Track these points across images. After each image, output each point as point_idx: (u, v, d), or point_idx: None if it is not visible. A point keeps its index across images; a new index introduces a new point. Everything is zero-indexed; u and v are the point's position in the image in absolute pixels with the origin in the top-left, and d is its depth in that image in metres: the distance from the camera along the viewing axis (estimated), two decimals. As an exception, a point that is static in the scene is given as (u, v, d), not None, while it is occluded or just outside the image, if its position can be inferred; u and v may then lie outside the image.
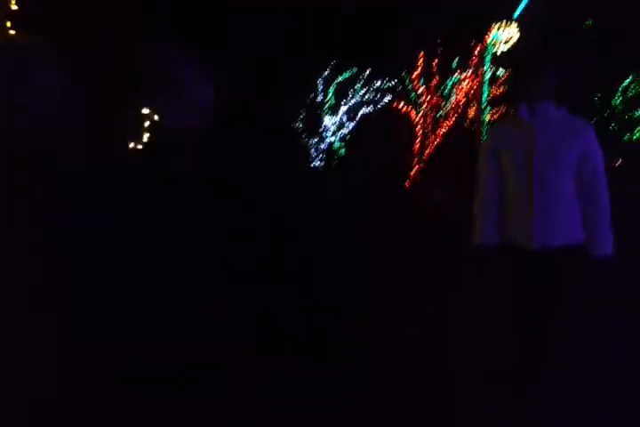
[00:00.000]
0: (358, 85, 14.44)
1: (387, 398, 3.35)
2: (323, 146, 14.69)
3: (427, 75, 12.02)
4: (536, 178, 3.07)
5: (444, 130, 12.21)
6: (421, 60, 11.53)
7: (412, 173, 12.15)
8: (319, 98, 14.86)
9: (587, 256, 3.19)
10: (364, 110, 14.61)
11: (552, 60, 3.17)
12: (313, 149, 14.73)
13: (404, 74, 13.37)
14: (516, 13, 12.26)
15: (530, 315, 3.27)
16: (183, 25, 11.24)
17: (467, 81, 12.20)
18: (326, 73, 14.45)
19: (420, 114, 11.97)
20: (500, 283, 3.50)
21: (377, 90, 14.37)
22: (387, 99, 14.12)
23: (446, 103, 12.32)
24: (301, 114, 15.04)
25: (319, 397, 3.39)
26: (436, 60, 11.91)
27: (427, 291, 5.48)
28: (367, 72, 14.56)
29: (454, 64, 12.23)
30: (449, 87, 12.59)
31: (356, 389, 3.47)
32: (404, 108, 12.17)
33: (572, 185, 3.14)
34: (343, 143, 14.71)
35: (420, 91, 11.80)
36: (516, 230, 3.24)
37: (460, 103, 12.31)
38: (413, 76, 11.73)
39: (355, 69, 14.67)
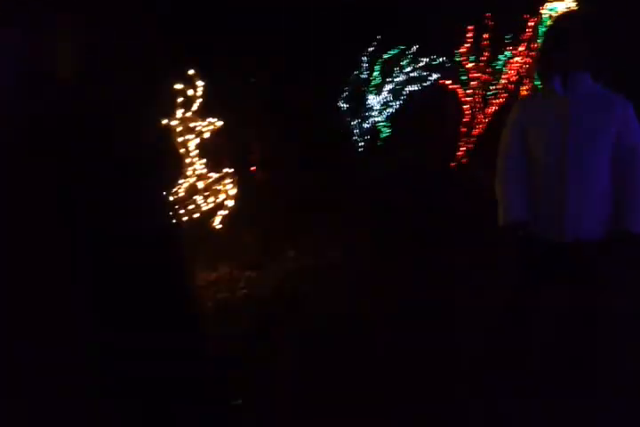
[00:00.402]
0: (405, 62, 13.92)
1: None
2: (366, 125, 14.32)
3: (476, 50, 11.40)
4: (570, 157, 2.74)
5: (494, 108, 11.62)
6: (471, 35, 10.93)
7: (458, 154, 11.63)
8: (364, 76, 14.43)
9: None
10: (410, 88, 14.10)
11: (593, 30, 2.77)
12: (356, 130, 14.37)
13: (452, 50, 12.78)
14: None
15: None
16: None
17: (519, 57, 11.53)
18: (371, 49, 13.96)
19: (469, 91, 11.40)
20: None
21: (424, 67, 13.83)
22: (434, 76, 13.57)
23: (497, 80, 11.69)
24: (344, 93, 14.64)
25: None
26: (487, 35, 11.26)
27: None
28: (414, 48, 14.02)
29: (507, 39, 11.56)
30: (500, 63, 11.96)
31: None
32: (452, 86, 11.60)
33: (608, 165, 2.76)
34: (388, 123, 14.29)
35: (468, 66, 11.23)
36: (543, 219, 2.87)
37: (512, 80, 11.66)
38: (461, 51, 11.13)
39: (401, 46, 14.13)
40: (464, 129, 11.74)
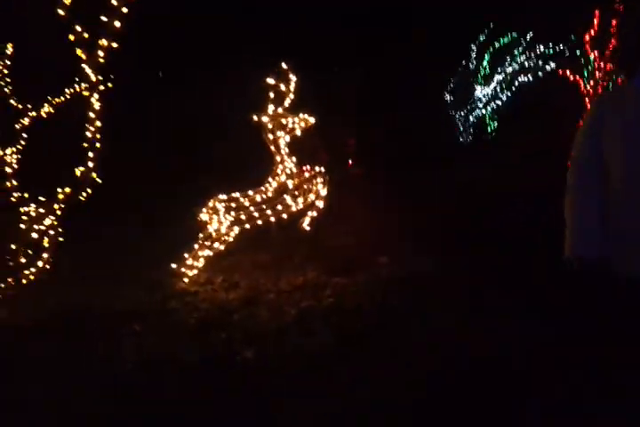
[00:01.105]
0: (518, 51, 12.91)
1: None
2: (472, 119, 13.48)
3: (603, 38, 10.24)
4: None
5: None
6: (597, 21, 9.80)
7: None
8: (472, 66, 13.56)
9: None
10: (522, 79, 13.07)
11: None
12: (460, 123, 13.56)
13: (573, 37, 11.62)
14: None
15: None
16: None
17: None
18: (482, 38, 13.08)
19: (591, 83, 10.27)
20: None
21: (539, 56, 12.75)
22: (550, 66, 12.47)
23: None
24: (450, 84, 13.87)
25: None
26: (615, 21, 10.08)
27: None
28: (529, 36, 12.97)
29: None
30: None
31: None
32: (572, 77, 10.52)
33: None
34: (496, 116, 13.35)
35: (592, 56, 10.10)
36: (627, 250, 2.21)
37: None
38: (586, 38, 10.02)
39: (514, 34, 13.15)
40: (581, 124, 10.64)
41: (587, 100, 10.36)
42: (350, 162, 12.24)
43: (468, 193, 9.03)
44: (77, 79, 4.98)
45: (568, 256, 2.52)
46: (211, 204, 6.18)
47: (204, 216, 6.22)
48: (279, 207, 6.21)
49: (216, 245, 6.32)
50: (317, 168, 6.43)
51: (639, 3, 9.20)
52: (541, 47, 12.46)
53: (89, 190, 5.10)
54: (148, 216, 8.31)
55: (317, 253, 6.92)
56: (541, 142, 10.76)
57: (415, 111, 12.98)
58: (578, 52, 10.52)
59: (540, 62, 12.56)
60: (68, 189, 5.08)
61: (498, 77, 13.13)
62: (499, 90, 12.99)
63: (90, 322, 5.21)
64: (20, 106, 5.10)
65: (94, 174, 5.03)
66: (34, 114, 5.08)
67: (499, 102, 12.92)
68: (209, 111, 10.04)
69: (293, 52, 6.51)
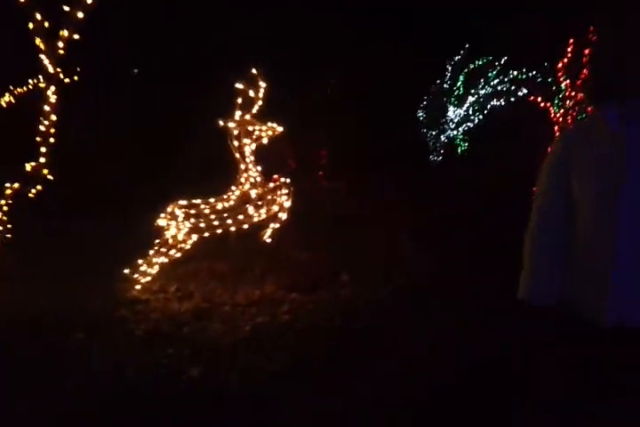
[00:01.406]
0: (492, 74, 12.97)
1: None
2: (443, 139, 13.46)
3: (575, 66, 10.35)
4: (622, 220, 2.03)
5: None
6: (570, 48, 9.91)
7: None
8: (446, 85, 13.58)
9: None
10: (494, 103, 13.13)
11: None
12: (431, 142, 13.54)
13: (546, 64, 11.72)
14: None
15: None
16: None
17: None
18: (457, 58, 13.10)
19: (562, 112, 10.36)
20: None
21: (512, 80, 12.84)
22: (522, 91, 12.55)
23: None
24: (423, 102, 13.85)
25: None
26: (588, 50, 10.20)
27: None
28: (503, 60, 13.06)
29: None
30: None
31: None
32: (543, 104, 10.60)
33: None
34: (466, 137, 13.36)
35: (563, 84, 10.20)
36: (581, 293, 2.10)
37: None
38: (559, 66, 10.12)
39: (489, 57, 13.23)
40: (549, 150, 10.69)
41: (556, 128, 10.44)
42: (320, 173, 12.09)
43: (437, 212, 8.93)
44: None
45: (522, 298, 2.39)
46: (169, 209, 5.91)
47: (161, 221, 5.94)
48: (241, 217, 5.96)
49: (172, 252, 6.05)
50: (283, 179, 6.21)
51: (610, 29, 9.32)
52: (514, 72, 12.54)
53: (39, 187, 4.76)
54: (107, 217, 7.97)
55: (277, 266, 6.70)
56: (509, 167, 10.81)
57: (388, 126, 12.91)
58: (550, 80, 10.60)
59: (513, 87, 12.64)
60: (16, 185, 4.75)
61: (471, 99, 13.16)
62: (471, 112, 13.02)
63: (32, 331, 4.88)
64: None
65: (46, 170, 4.71)
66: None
67: (470, 124, 12.93)
68: (181, 112, 9.76)
69: (269, 57, 6.30)
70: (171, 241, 5.97)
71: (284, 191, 6.29)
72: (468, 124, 13.26)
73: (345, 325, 5.17)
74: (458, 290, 5.71)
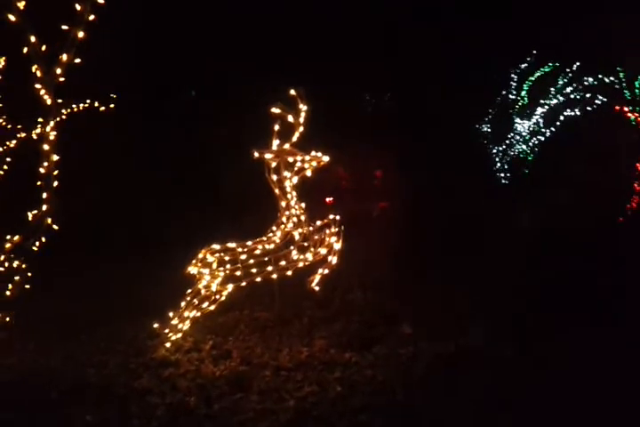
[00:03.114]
0: (561, 82, 11.77)
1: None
2: (511, 154, 12.29)
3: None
4: None
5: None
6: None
7: (632, 204, 9.20)
8: (511, 96, 12.45)
9: None
10: (567, 113, 11.89)
11: None
12: (498, 158, 12.38)
13: (620, 69, 10.44)
14: None
15: None
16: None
17: None
18: (523, 66, 11.98)
19: (654, 122, 9.03)
20: None
21: (587, 88, 11.58)
22: (600, 99, 11.27)
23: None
24: (489, 115, 12.71)
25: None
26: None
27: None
28: (575, 66, 11.82)
29: None
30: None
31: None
32: (629, 114, 9.30)
33: None
34: (536, 154, 12.14)
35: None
36: None
37: None
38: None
39: (557, 63, 12.03)
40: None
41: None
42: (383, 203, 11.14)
43: (509, 247, 7.75)
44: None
45: None
46: (201, 255, 5.07)
47: (192, 269, 5.10)
48: (283, 262, 5.05)
49: (205, 304, 5.19)
50: (332, 216, 5.28)
51: None
52: (589, 79, 11.28)
53: (42, 239, 3.99)
54: (133, 260, 7.24)
55: (328, 315, 5.75)
56: (595, 187, 9.53)
57: (449, 143, 11.86)
58: (637, 85, 9.31)
59: (588, 95, 11.37)
60: (17, 238, 3.99)
61: (540, 110, 11.95)
62: (541, 124, 11.79)
63: (31, 406, 4.13)
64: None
65: (49, 219, 3.93)
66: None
67: (541, 138, 11.70)
68: (213, 141, 8.96)
69: (312, 77, 5.42)
70: (203, 292, 5.11)
71: (334, 230, 5.36)
72: (539, 137, 12.03)
73: (408, 401, 4.15)
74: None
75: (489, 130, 12.27)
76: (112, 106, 5.54)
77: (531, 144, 11.74)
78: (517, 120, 12.13)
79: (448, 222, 8.77)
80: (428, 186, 10.96)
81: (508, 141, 11.83)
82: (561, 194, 9.66)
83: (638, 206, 9.13)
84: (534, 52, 11.93)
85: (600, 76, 10.90)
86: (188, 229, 5.84)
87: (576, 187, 9.74)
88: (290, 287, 5.76)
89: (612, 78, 10.52)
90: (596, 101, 10.91)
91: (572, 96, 11.65)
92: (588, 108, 11.16)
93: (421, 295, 6.24)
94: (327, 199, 9.90)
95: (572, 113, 11.41)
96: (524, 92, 11.98)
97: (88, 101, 4.40)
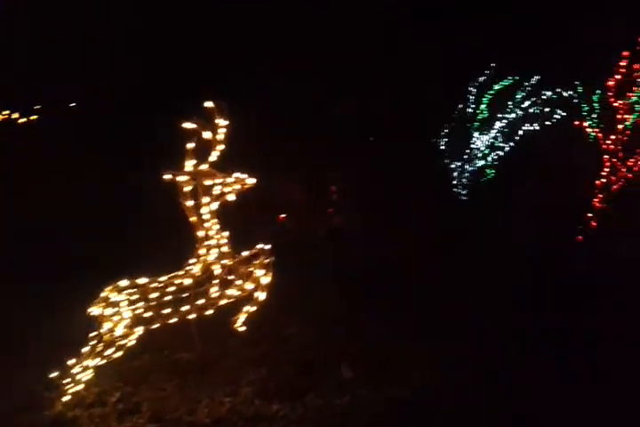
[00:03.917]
0: (520, 96, 11.43)
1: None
2: (469, 170, 11.84)
3: (624, 84, 8.69)
4: None
5: (642, 161, 8.78)
6: (624, 63, 8.23)
7: (589, 222, 8.80)
8: (470, 110, 12.01)
9: None
10: (526, 128, 11.52)
11: None
12: (456, 174, 11.91)
13: (578, 84, 10.10)
14: None
15: None
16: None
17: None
18: (482, 79, 11.56)
19: (612, 138, 8.65)
20: None
21: (546, 102, 11.24)
22: (559, 114, 10.92)
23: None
24: (446, 129, 12.22)
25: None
26: (638, 65, 8.54)
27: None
28: (534, 80, 11.49)
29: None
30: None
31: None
32: (588, 129, 8.91)
33: None
34: (494, 169, 11.73)
35: (616, 105, 8.49)
36: None
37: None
38: (611, 83, 8.43)
39: (516, 77, 11.68)
40: (600, 183, 8.95)
41: (606, 157, 8.74)
42: (330, 211, 10.57)
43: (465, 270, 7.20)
44: None
45: None
46: (104, 293, 4.32)
47: (94, 310, 4.35)
48: (202, 301, 4.35)
49: (110, 351, 4.43)
50: (262, 245, 4.61)
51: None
52: (548, 93, 10.94)
53: None
54: (42, 284, 6.34)
55: (257, 357, 5.04)
56: (548, 200, 9.13)
57: (405, 158, 11.36)
58: (596, 99, 8.92)
59: (547, 109, 11.02)
60: None
61: (499, 124, 11.56)
62: (500, 139, 11.38)
63: None
64: None
65: None
66: None
67: (500, 153, 11.29)
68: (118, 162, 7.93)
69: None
70: (108, 337, 4.35)
71: (263, 261, 4.68)
72: (498, 152, 11.60)
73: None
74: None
75: (447, 145, 11.81)
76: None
77: (489, 159, 11.29)
78: (476, 134, 11.67)
79: (402, 246, 8.15)
80: (383, 204, 10.40)
81: (466, 156, 11.36)
82: (520, 211, 9.25)
83: (598, 224, 8.74)
84: (493, 64, 11.53)
85: (558, 90, 10.54)
86: (99, 256, 5.06)
87: (534, 204, 9.33)
88: (217, 320, 5.04)
89: (570, 93, 10.15)
90: (555, 116, 10.54)
91: (530, 110, 11.28)
92: (547, 123, 10.79)
93: (367, 332, 5.58)
94: (280, 216, 9.27)
95: (531, 128, 11.02)
96: (483, 106, 11.58)
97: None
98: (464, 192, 11.63)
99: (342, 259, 7.29)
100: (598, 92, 8.98)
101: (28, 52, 8.79)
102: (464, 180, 11.50)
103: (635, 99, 8.68)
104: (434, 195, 10.96)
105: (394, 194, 10.68)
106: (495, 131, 11.77)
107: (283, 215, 9.26)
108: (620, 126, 8.56)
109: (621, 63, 8.07)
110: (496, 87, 11.73)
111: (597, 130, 8.73)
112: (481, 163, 11.70)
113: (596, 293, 6.25)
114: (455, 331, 5.42)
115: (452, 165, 11.92)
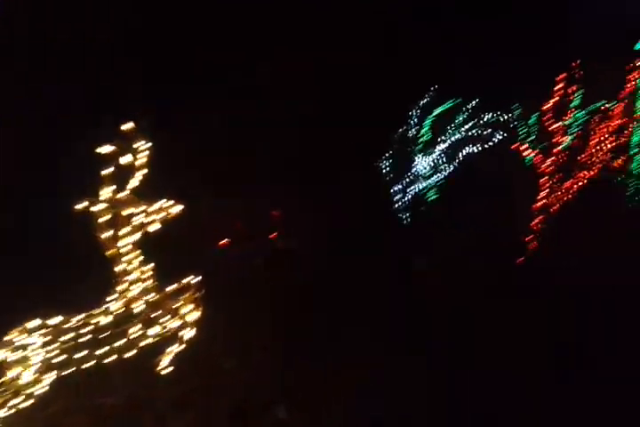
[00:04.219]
0: (461, 118, 11.47)
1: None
2: (411, 193, 11.73)
3: (560, 107, 8.81)
4: None
5: (579, 183, 8.90)
6: (560, 86, 8.34)
7: (529, 244, 8.82)
8: (411, 132, 11.98)
9: None
10: (467, 150, 11.56)
11: None
12: (398, 197, 11.80)
13: (516, 106, 10.26)
14: None
15: None
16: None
17: (615, 118, 8.89)
18: (423, 102, 11.58)
19: (551, 160, 8.72)
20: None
21: (486, 124, 11.32)
22: (498, 137, 11.03)
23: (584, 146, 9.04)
24: (388, 151, 12.14)
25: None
26: (574, 87, 8.70)
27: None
28: (474, 102, 11.59)
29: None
30: (579, 123, 9.39)
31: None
32: (527, 152, 8.98)
33: None
34: (438, 192, 11.69)
35: (553, 128, 8.59)
36: None
37: (605, 147, 8.96)
38: (546, 106, 8.51)
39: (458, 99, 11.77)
40: (538, 206, 9.00)
41: (544, 179, 8.80)
42: (273, 236, 10.22)
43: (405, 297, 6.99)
44: None
45: None
46: (9, 336, 3.84)
47: (-1, 355, 3.87)
48: (121, 342, 3.93)
49: (18, 400, 3.94)
50: (188, 278, 4.24)
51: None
52: (489, 115, 11.04)
53: None
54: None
55: (185, 400, 4.62)
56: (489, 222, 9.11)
57: (349, 181, 11.16)
58: (533, 122, 9.02)
59: (488, 132, 11.11)
60: None
61: (441, 147, 11.55)
62: (442, 161, 11.37)
63: None
64: None
65: None
66: None
67: (441, 175, 11.26)
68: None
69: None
70: (14, 385, 3.87)
71: (193, 295, 4.30)
72: (439, 175, 11.57)
73: None
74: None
75: (388, 167, 11.72)
76: None
77: (431, 182, 11.25)
78: (417, 157, 11.64)
79: (341, 277, 7.87)
80: (326, 228, 10.16)
81: (407, 179, 11.28)
82: (460, 234, 9.18)
83: (537, 246, 8.78)
84: (434, 87, 11.59)
85: (498, 113, 10.66)
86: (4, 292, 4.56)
87: (475, 227, 9.29)
88: (143, 358, 4.60)
89: (509, 115, 10.28)
90: (494, 139, 10.64)
91: (470, 133, 11.33)
92: (487, 146, 10.87)
93: (304, 365, 5.25)
94: (220, 242, 8.89)
95: (472, 150, 11.08)
96: (426, 128, 11.58)
97: None
98: (406, 214, 11.53)
99: (280, 287, 6.96)
100: (536, 114, 9.09)
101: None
102: (406, 202, 11.43)
103: (570, 121, 8.83)
104: (377, 217, 10.83)
105: (337, 218, 10.48)
106: (437, 153, 11.75)
107: (223, 241, 8.88)
108: (555, 149, 8.65)
109: (557, 87, 8.17)
110: (439, 109, 11.78)
111: (535, 152, 8.80)
112: (423, 185, 11.66)
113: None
114: (399, 358, 5.18)
115: (395, 188, 11.81)
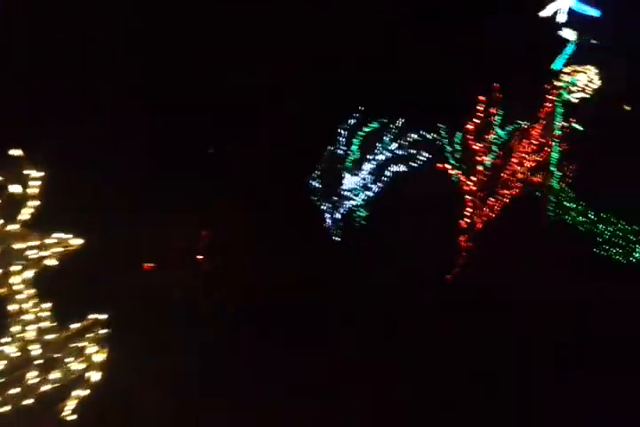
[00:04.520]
0: (387, 138, 11.59)
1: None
2: (341, 210, 11.69)
3: (482, 127, 8.98)
4: None
5: (503, 200, 9.04)
6: (482, 108, 8.47)
7: (458, 261, 8.90)
8: (340, 151, 11.98)
9: None
10: (394, 169, 11.66)
11: None
12: (328, 214, 11.72)
13: (441, 126, 10.42)
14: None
15: None
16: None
17: (534, 137, 9.12)
18: (352, 122, 11.64)
19: (474, 179, 8.84)
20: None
21: (411, 144, 11.49)
22: (424, 156, 11.19)
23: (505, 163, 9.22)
24: (317, 170, 12.05)
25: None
26: (494, 109, 8.88)
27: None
28: (399, 122, 11.74)
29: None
30: (500, 142, 9.61)
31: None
32: (452, 171, 9.07)
33: None
34: (367, 210, 11.70)
35: (475, 148, 8.71)
36: None
37: (526, 164, 9.16)
38: (470, 127, 8.63)
39: (384, 120, 11.88)
40: (464, 224, 9.09)
41: (468, 197, 8.90)
42: (200, 258, 9.94)
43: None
44: None
45: None
46: None
47: None
48: (17, 390, 3.55)
49: None
50: (95, 315, 3.90)
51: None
52: (414, 135, 11.21)
53: None
54: None
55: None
56: (417, 240, 9.14)
57: (278, 197, 11.03)
58: (457, 141, 9.15)
59: (413, 152, 11.27)
60: None
61: (368, 166, 11.63)
62: (370, 180, 11.43)
63: None
64: None
65: None
66: None
67: (369, 193, 11.32)
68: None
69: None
70: None
71: (99, 334, 3.96)
72: (367, 192, 11.63)
73: None
74: None
75: (318, 185, 11.67)
76: None
77: (360, 199, 11.28)
78: (346, 175, 11.65)
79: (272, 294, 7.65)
80: (260, 242, 9.93)
81: (336, 197, 11.26)
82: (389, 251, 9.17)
83: (462, 261, 8.86)
84: (361, 108, 11.70)
85: (422, 133, 10.82)
86: None
87: (403, 244, 9.30)
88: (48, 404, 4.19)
89: (433, 135, 10.44)
90: (420, 158, 10.77)
91: (397, 152, 11.46)
92: (413, 165, 10.99)
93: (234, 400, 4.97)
94: (146, 265, 8.53)
95: (399, 169, 11.18)
96: (354, 147, 11.64)
97: None
98: (336, 232, 11.48)
99: (201, 317, 6.65)
100: (459, 134, 9.22)
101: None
102: (336, 219, 11.39)
103: (492, 140, 9.00)
104: (307, 235, 10.70)
105: (267, 236, 10.26)
106: (365, 172, 11.80)
107: (149, 265, 8.52)
108: (479, 168, 8.78)
109: (479, 107, 8.31)
110: (366, 129, 11.88)
111: (459, 171, 8.91)
112: (352, 203, 11.65)
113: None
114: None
115: (323, 206, 11.75)
